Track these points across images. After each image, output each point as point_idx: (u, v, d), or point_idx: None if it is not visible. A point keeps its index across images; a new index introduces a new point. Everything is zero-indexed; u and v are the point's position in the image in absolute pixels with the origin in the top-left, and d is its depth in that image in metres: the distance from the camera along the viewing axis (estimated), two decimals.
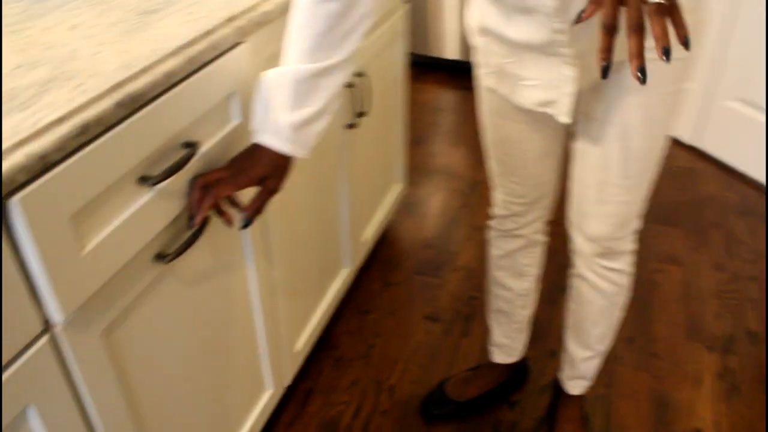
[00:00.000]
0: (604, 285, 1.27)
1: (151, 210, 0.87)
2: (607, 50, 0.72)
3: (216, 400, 1.19)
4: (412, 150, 2.73)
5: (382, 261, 2.11)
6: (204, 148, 0.97)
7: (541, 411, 1.62)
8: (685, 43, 0.69)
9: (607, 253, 1.22)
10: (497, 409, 1.62)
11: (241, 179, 0.96)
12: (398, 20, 1.80)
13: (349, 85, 1.52)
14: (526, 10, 0.95)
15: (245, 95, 1.06)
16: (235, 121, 1.06)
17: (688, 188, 2.50)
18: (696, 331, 1.85)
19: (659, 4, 0.67)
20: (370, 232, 1.90)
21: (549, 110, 1.08)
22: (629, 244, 1.22)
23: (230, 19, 1.02)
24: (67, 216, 0.73)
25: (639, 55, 0.70)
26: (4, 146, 0.66)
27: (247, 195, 1.12)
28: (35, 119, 0.71)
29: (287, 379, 1.48)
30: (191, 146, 0.92)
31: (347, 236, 1.71)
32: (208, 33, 0.97)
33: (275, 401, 1.44)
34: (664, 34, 0.68)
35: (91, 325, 0.82)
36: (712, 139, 2.68)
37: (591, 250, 1.22)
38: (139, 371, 0.95)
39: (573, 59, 0.99)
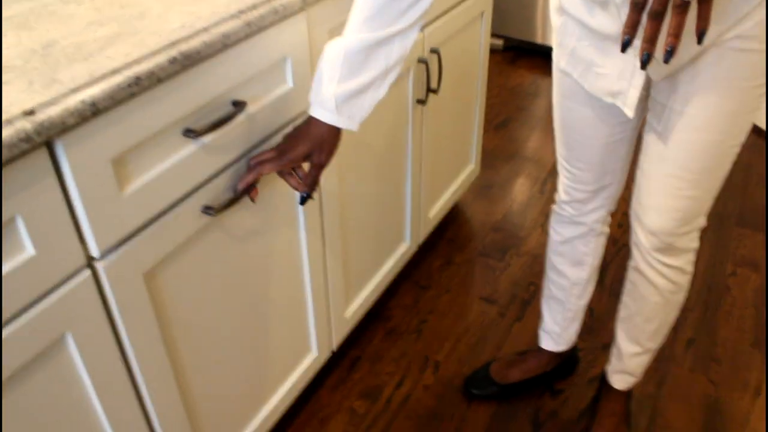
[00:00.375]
0: (661, 281, 1.24)
1: (193, 161, 0.93)
2: (631, 27, 0.73)
3: (258, 357, 1.25)
4: (495, 133, 2.72)
5: (449, 240, 2.13)
6: (252, 108, 1.02)
7: (585, 403, 1.61)
8: (700, 35, 0.69)
9: (667, 249, 1.19)
10: (540, 396, 1.62)
11: (284, 160, 1.01)
12: (482, 0, 1.80)
13: (422, 61, 1.53)
14: (602, 1, 0.95)
15: (299, 62, 1.10)
16: (287, 86, 1.10)
17: None
18: (763, 340, 1.78)
19: (685, 1, 0.67)
20: (436, 210, 1.92)
21: (616, 101, 1.08)
22: (691, 242, 1.19)
23: None
24: (107, 159, 0.79)
25: (649, 41, 0.70)
26: (61, 92, 0.73)
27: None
28: (92, 69, 0.77)
29: (335, 343, 1.53)
30: (239, 105, 0.96)
31: (411, 211, 1.74)
32: None
33: (319, 364, 1.49)
34: (675, 32, 0.70)
35: (134, 265, 0.88)
36: None
37: (650, 244, 1.19)
38: (181, 317, 1.02)
39: (634, 49, 0.97)
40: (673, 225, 1.13)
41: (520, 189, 2.38)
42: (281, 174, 1.06)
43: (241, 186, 1.02)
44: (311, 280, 1.34)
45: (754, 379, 1.68)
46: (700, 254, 2.08)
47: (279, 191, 1.15)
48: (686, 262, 1.22)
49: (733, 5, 0.91)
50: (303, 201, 1.05)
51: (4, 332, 0.74)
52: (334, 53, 0.96)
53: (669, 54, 0.72)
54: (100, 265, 0.83)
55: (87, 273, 0.82)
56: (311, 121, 1.00)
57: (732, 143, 1.04)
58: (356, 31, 0.95)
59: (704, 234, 2.17)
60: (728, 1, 0.90)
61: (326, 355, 1.51)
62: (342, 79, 0.96)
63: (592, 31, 1.03)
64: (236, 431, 1.27)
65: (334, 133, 1.01)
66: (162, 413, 1.02)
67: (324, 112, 0.98)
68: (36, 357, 0.79)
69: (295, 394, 1.44)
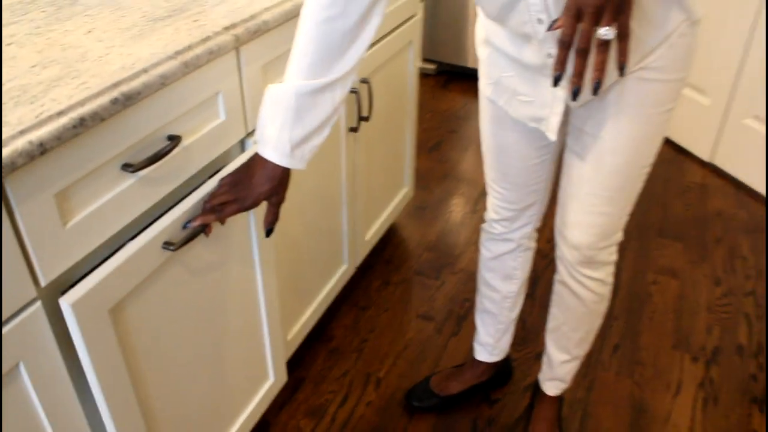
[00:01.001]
0: (585, 293, 1.33)
1: (132, 195, 0.98)
2: (560, 63, 0.81)
3: (221, 385, 1.29)
4: (427, 156, 2.82)
5: (385, 261, 2.20)
6: (186, 142, 1.07)
7: (521, 410, 1.69)
8: (621, 68, 0.78)
9: (589, 262, 1.28)
10: (478, 406, 1.70)
11: (247, 203, 1.06)
12: (410, 29, 1.89)
13: (353, 91, 1.61)
14: (524, 36, 1.04)
15: (231, 97, 1.16)
16: (220, 119, 1.16)
17: (698, 204, 2.54)
18: (683, 342, 1.91)
19: (606, 40, 0.76)
20: (373, 232, 1.99)
21: (540, 126, 1.17)
22: (610, 256, 1.29)
23: (228, 28, 1.12)
24: (51, 195, 0.84)
25: (578, 76, 0.79)
26: (10, 134, 0.77)
27: None
28: (38, 111, 0.82)
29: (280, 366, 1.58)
30: (174, 139, 1.02)
31: (348, 235, 1.81)
32: (206, 39, 1.07)
33: (276, 390, 1.53)
34: (599, 67, 0.78)
35: (99, 302, 0.92)
36: (726, 157, 2.72)
37: (573, 257, 1.29)
38: (145, 350, 1.06)
39: (564, 81, 1.07)
40: (593, 240, 1.23)
41: (454, 209, 2.47)
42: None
43: (198, 222, 1.06)
44: (266, 310, 1.39)
45: (675, 379, 1.79)
46: (623, 264, 2.21)
47: (232, 225, 1.20)
48: (607, 274, 1.32)
49: (640, 44, 1.02)
50: (268, 234, 1.11)
51: None
52: (281, 98, 1.00)
53: (597, 86, 0.81)
54: (65, 302, 0.87)
55: (38, 304, 0.86)
56: (265, 163, 1.04)
57: (642, 164, 1.15)
58: (301, 77, 1.00)
59: (627, 245, 2.30)
60: (635, 41, 1.01)
61: (283, 380, 1.55)
62: (294, 124, 1.00)
63: (516, 62, 1.13)
64: None
65: (288, 172, 1.06)
66: None
67: (280, 156, 1.02)
68: None
69: (257, 419, 1.48)
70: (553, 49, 1.02)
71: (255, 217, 1.26)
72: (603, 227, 1.22)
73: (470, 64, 3.43)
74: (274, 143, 1.02)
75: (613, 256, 1.29)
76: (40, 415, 0.91)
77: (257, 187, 1.05)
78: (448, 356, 1.84)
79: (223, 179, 1.09)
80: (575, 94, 0.83)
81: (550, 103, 1.14)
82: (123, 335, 0.99)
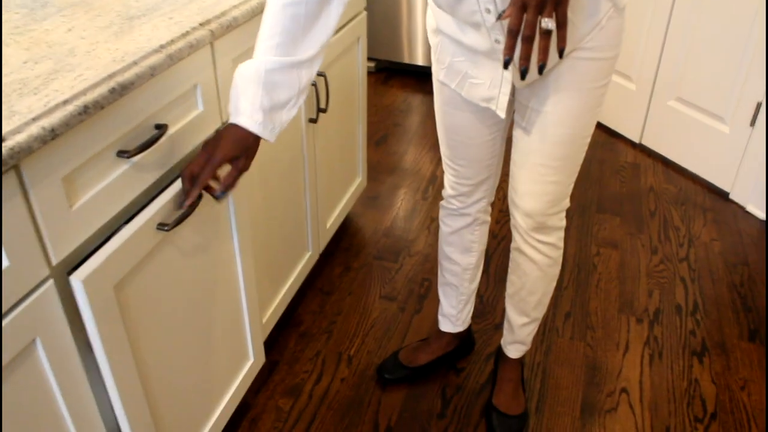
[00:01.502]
0: (538, 257, 1.45)
1: (127, 179, 1.04)
2: (510, 49, 0.92)
3: (208, 362, 1.35)
4: (375, 149, 2.92)
5: (345, 248, 2.29)
6: (171, 130, 1.14)
7: (485, 376, 1.81)
8: (561, 53, 0.90)
9: (540, 228, 1.40)
10: (445, 375, 1.81)
11: (216, 158, 1.09)
12: (357, 25, 1.99)
13: (311, 84, 1.69)
14: (474, 24, 1.15)
15: (207, 88, 1.23)
16: (198, 110, 1.23)
17: (632, 182, 2.72)
18: (628, 306, 2.06)
19: (548, 29, 0.88)
20: (332, 220, 2.08)
21: (490, 105, 1.29)
22: (560, 221, 1.41)
23: (203, 24, 1.19)
24: (59, 178, 0.90)
25: (525, 59, 0.91)
26: (23, 121, 0.83)
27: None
28: (45, 101, 0.88)
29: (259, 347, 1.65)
30: (161, 128, 1.09)
31: (311, 222, 1.89)
32: (185, 35, 1.14)
33: (256, 370, 1.60)
34: (544, 52, 0.91)
35: (106, 279, 0.99)
36: (654, 137, 2.91)
37: (526, 224, 1.40)
38: (143, 326, 1.12)
39: (511, 65, 1.18)
40: (544, 207, 1.35)
41: (404, 197, 2.58)
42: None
43: (189, 202, 1.11)
44: (246, 292, 1.46)
45: (623, 340, 1.94)
46: (569, 239, 2.35)
47: (215, 208, 1.27)
48: (558, 239, 1.44)
49: (575, 30, 1.14)
50: (219, 198, 1.13)
51: None
52: (253, 73, 1.07)
53: (542, 67, 0.92)
54: (76, 279, 0.93)
55: (50, 282, 0.92)
56: (236, 129, 1.08)
57: (583, 135, 1.27)
58: (269, 54, 1.08)
59: (570, 222, 2.45)
60: (571, 28, 1.13)
61: (262, 360, 1.62)
62: (264, 96, 1.07)
63: (466, 48, 1.24)
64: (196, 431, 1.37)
65: (256, 141, 1.12)
66: (130, 412, 1.11)
67: (251, 123, 1.08)
68: (11, 361, 0.88)
69: (239, 398, 1.54)
70: (501, 36, 1.13)
71: (234, 203, 1.33)
72: (552, 194, 1.34)
73: (407, 60, 3.55)
74: (248, 113, 1.07)
75: (563, 222, 1.42)
76: (53, 387, 0.96)
77: (226, 146, 1.08)
78: (413, 332, 1.94)
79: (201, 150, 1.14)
80: (523, 73, 0.94)
81: (498, 84, 1.25)
82: (125, 311, 1.06)
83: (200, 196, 1.14)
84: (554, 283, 1.53)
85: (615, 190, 2.66)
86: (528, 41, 0.91)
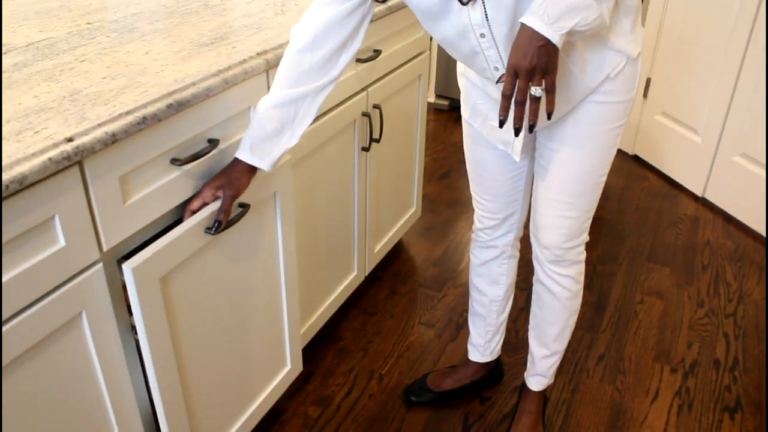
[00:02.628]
0: (557, 288, 1.52)
1: (176, 184, 1.19)
2: (504, 110, 1.05)
3: (244, 363, 1.47)
4: (437, 182, 3.03)
5: (393, 274, 2.40)
6: (223, 145, 1.29)
7: (509, 408, 1.86)
8: (549, 115, 1.04)
9: (559, 261, 1.47)
10: (469, 402, 1.87)
11: (227, 196, 1.23)
12: (419, 64, 2.12)
13: (365, 114, 1.83)
14: (480, 67, 1.25)
15: None
16: None
17: (689, 234, 2.72)
18: (664, 355, 2.07)
19: (536, 96, 1.02)
20: (381, 245, 2.19)
21: (506, 149, 1.39)
22: (579, 255, 1.48)
23: (260, 53, 1.34)
24: (116, 177, 1.05)
25: (518, 119, 1.04)
26: (90, 126, 0.99)
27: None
28: (111, 110, 1.04)
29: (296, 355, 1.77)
30: (213, 142, 1.24)
31: (358, 245, 2.01)
32: (242, 62, 1.29)
33: (293, 376, 1.71)
34: (534, 114, 1.04)
35: (153, 270, 1.13)
36: (717, 192, 2.90)
37: (545, 256, 1.48)
38: (184, 319, 1.25)
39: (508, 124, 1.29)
40: (561, 240, 1.43)
41: (458, 231, 2.67)
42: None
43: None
44: (287, 301, 1.58)
45: (653, 387, 1.96)
46: (613, 285, 2.38)
47: (262, 221, 1.40)
48: (577, 272, 1.50)
49: (581, 85, 1.24)
50: (215, 229, 1.22)
51: (44, 302, 0.98)
52: (257, 109, 1.23)
53: (532, 127, 1.03)
54: (127, 267, 1.07)
55: (100, 265, 1.07)
56: (234, 160, 1.25)
57: (598, 174, 1.35)
58: (276, 88, 1.23)
59: (617, 268, 2.48)
60: (577, 82, 1.23)
61: (299, 369, 1.73)
62: (257, 128, 1.23)
63: (485, 93, 1.35)
64: (226, 428, 1.49)
65: (247, 170, 1.25)
66: (165, 393, 1.23)
67: (242, 152, 1.24)
68: (61, 327, 1.03)
69: (273, 402, 1.65)
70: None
71: (281, 216, 1.46)
72: (568, 228, 1.42)
73: None
74: (242, 144, 1.24)
75: (582, 256, 1.48)
76: (94, 357, 1.11)
77: (233, 185, 1.23)
78: (446, 358, 2.02)
79: (211, 183, 1.26)
80: (517, 132, 1.06)
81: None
82: (168, 302, 1.19)
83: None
84: (575, 317, 1.59)
85: (670, 241, 2.67)
86: (519, 105, 1.04)
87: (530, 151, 1.47)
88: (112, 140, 1.00)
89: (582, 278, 1.52)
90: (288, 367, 1.69)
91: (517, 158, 1.39)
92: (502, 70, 1.19)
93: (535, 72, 1.01)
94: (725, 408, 1.89)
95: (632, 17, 1.23)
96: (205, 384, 1.36)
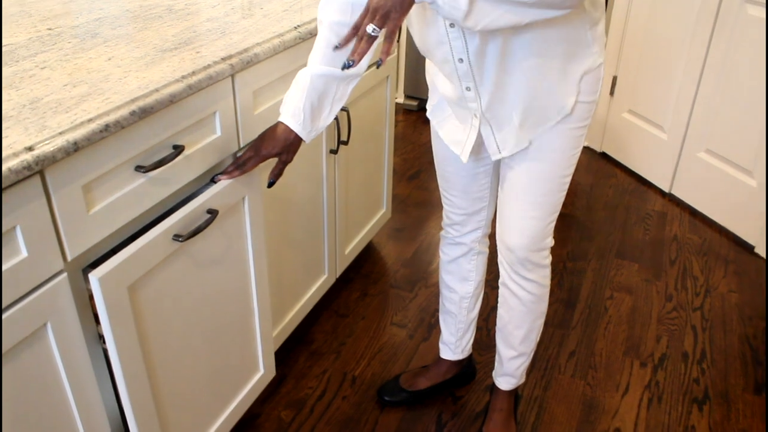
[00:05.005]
0: (521, 293, 1.53)
1: (142, 191, 1.18)
2: (346, 41, 1.09)
3: (217, 370, 1.46)
4: (407, 183, 3.04)
5: (364, 275, 2.40)
6: (188, 151, 1.28)
7: (482, 406, 1.87)
8: (378, 64, 1.06)
9: (524, 265, 1.47)
10: (443, 401, 1.88)
11: (262, 153, 1.30)
12: (387, 65, 2.12)
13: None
14: (447, 72, 1.27)
15: (226, 116, 1.37)
16: (216, 135, 1.36)
17: (656, 230, 2.76)
18: (634, 349, 2.10)
19: (373, 36, 1.05)
20: (351, 247, 2.19)
21: (456, 149, 1.40)
22: (542, 259, 1.49)
23: (225, 58, 1.34)
24: (79, 186, 1.04)
25: (355, 53, 1.06)
26: (51, 135, 0.98)
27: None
28: (73, 118, 1.03)
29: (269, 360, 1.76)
30: (178, 148, 1.23)
31: (328, 247, 2.01)
32: (206, 67, 1.29)
33: (266, 381, 1.71)
34: (360, 54, 1.07)
35: (120, 279, 1.11)
36: (683, 187, 2.95)
37: (509, 260, 1.48)
38: (154, 327, 1.24)
39: (480, 114, 1.30)
40: (525, 242, 1.43)
41: (429, 231, 2.68)
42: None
43: (223, 178, 1.32)
44: (258, 306, 1.57)
45: (623, 382, 1.98)
46: (583, 281, 2.41)
47: (230, 223, 1.40)
48: (541, 276, 1.51)
49: (549, 115, 1.28)
50: (270, 185, 1.35)
51: (7, 314, 0.97)
52: (302, 77, 1.29)
53: (350, 65, 1.06)
54: (93, 276, 1.06)
55: (64, 275, 1.05)
56: (283, 127, 1.29)
57: (562, 174, 1.36)
58: (318, 62, 1.28)
59: (587, 265, 2.51)
60: (544, 113, 1.27)
61: (272, 373, 1.73)
62: (308, 99, 1.28)
63: (443, 95, 1.36)
64: None
65: (298, 139, 1.31)
66: (135, 404, 1.22)
67: (294, 123, 1.29)
68: (26, 339, 1.02)
69: (246, 407, 1.64)
70: (471, 83, 1.25)
71: (250, 220, 1.46)
72: (533, 230, 1.42)
73: None
74: (291, 112, 1.29)
75: (547, 260, 1.49)
76: (60, 368, 1.09)
77: (272, 143, 1.30)
78: (419, 358, 2.03)
79: (249, 143, 1.34)
80: (348, 66, 1.08)
81: (468, 131, 1.36)
82: (137, 311, 1.18)
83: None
84: (541, 320, 1.60)
85: (638, 237, 2.70)
86: (359, 39, 1.07)
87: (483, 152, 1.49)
88: (74, 149, 0.99)
89: (548, 282, 1.53)
90: (261, 372, 1.68)
91: (465, 159, 1.40)
92: (467, 62, 1.20)
93: (378, 11, 1.02)
94: (693, 400, 1.93)
95: (597, 28, 1.25)
96: (176, 392, 1.35)
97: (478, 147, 1.44)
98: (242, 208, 1.42)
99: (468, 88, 1.26)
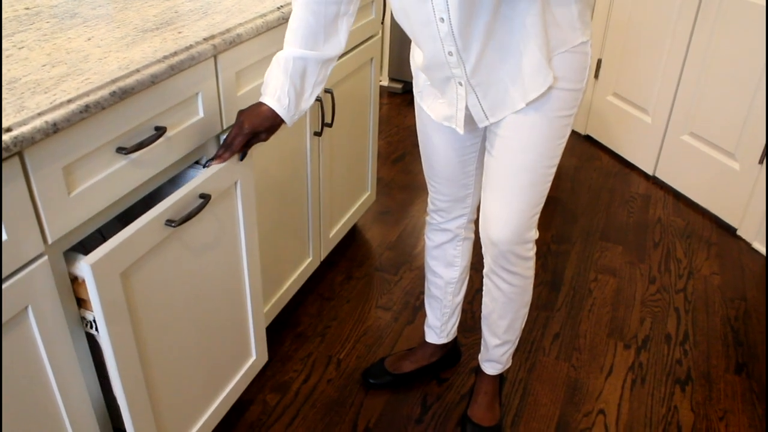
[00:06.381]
0: (504, 285, 1.52)
1: (123, 174, 1.16)
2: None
3: (210, 356, 1.45)
4: (392, 166, 3.03)
5: (349, 258, 2.39)
6: (170, 133, 1.26)
7: (467, 388, 1.88)
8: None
9: (506, 256, 1.45)
10: (428, 384, 1.89)
11: (247, 131, 1.29)
12: (371, 46, 2.10)
13: (317, 99, 1.81)
14: (430, 37, 1.24)
15: (209, 97, 1.35)
16: (199, 116, 1.35)
17: (640, 212, 2.77)
18: (617, 331, 2.11)
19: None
20: (336, 231, 2.18)
21: (450, 124, 1.38)
22: (526, 252, 1.46)
23: (207, 39, 1.32)
24: (60, 167, 1.02)
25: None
26: (29, 115, 0.96)
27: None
28: (52, 99, 1.01)
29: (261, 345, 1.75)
30: (160, 129, 1.21)
31: (312, 230, 2.00)
32: (188, 48, 1.27)
33: (258, 367, 1.69)
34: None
35: (113, 266, 1.09)
36: (667, 170, 2.96)
37: (493, 252, 1.46)
38: (147, 314, 1.22)
39: (465, 82, 1.28)
40: (509, 235, 1.41)
41: (414, 214, 2.68)
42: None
43: (216, 162, 1.32)
44: (251, 293, 1.56)
45: (607, 363, 2.00)
46: (567, 264, 2.42)
47: (223, 208, 1.38)
48: (525, 268, 1.49)
49: (542, 76, 1.24)
50: (242, 158, 1.37)
51: None
52: (283, 59, 1.28)
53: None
54: (85, 263, 1.04)
55: (45, 258, 1.04)
56: (264, 107, 1.28)
57: (547, 164, 1.35)
58: (296, 45, 1.28)
59: (571, 247, 2.52)
60: (523, 89, 1.25)
61: (264, 359, 1.72)
62: (291, 82, 1.28)
63: (425, 69, 1.34)
64: (192, 421, 1.47)
65: (281, 121, 1.31)
66: (128, 391, 1.21)
67: (277, 105, 1.28)
68: (7, 322, 1.00)
69: (239, 393, 1.63)
70: (453, 48, 1.21)
71: (243, 205, 1.44)
72: (517, 221, 1.39)
73: None
74: (276, 95, 1.28)
75: (531, 252, 1.47)
76: (42, 351, 1.08)
77: (258, 120, 1.28)
78: (403, 341, 2.03)
79: (232, 125, 1.35)
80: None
81: (455, 103, 1.35)
82: (130, 297, 1.16)
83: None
84: (525, 309, 1.60)
85: (622, 220, 2.72)
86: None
87: (481, 140, 1.47)
88: (54, 130, 0.97)
89: (532, 272, 1.51)
90: (253, 358, 1.67)
91: (461, 131, 1.37)
92: (447, 22, 1.17)
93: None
94: (676, 381, 1.94)
95: (581, 5, 1.24)
96: (170, 379, 1.34)
97: (471, 123, 1.41)
98: (234, 192, 1.40)
99: (450, 53, 1.24)
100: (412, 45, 1.43)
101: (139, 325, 1.20)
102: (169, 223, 1.20)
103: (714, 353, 2.05)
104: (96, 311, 1.09)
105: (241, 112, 1.30)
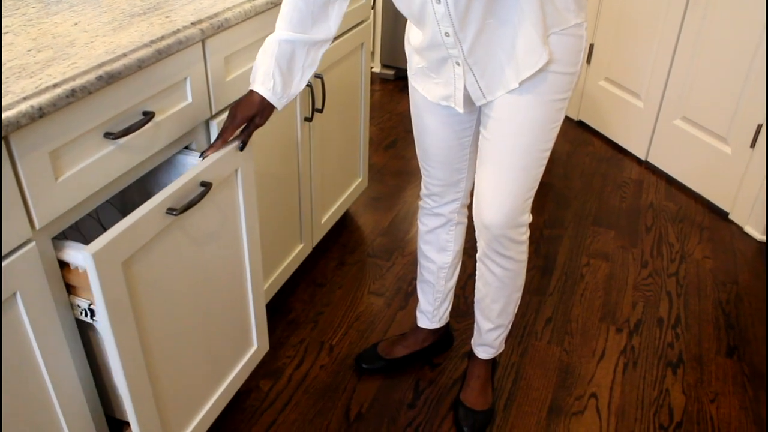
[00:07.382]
0: (497, 269, 1.52)
1: (111, 159, 1.15)
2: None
3: (209, 348, 1.45)
4: (384, 152, 3.02)
5: (342, 244, 2.39)
6: (158, 118, 1.25)
7: (459, 373, 1.88)
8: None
9: (499, 241, 1.45)
10: (420, 368, 1.89)
11: (237, 119, 1.29)
12: (362, 32, 2.09)
13: (308, 85, 1.80)
14: (427, 18, 1.23)
15: (197, 81, 1.34)
16: (187, 101, 1.34)
17: (633, 197, 2.78)
18: (610, 315, 2.12)
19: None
20: (328, 217, 2.18)
21: (449, 103, 1.38)
22: (519, 236, 1.46)
23: (195, 23, 1.31)
24: (47, 152, 1.02)
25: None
26: (14, 100, 0.95)
27: None
28: (38, 83, 1.00)
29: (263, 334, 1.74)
30: (148, 114, 1.20)
31: (303, 216, 1.99)
32: (176, 32, 1.26)
33: (260, 356, 1.68)
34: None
35: (115, 255, 1.08)
36: (659, 155, 2.97)
37: (486, 236, 1.46)
38: (148, 303, 1.21)
39: (463, 61, 1.27)
40: (502, 219, 1.41)
41: (406, 200, 2.67)
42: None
43: (210, 152, 1.31)
44: (252, 282, 1.55)
45: (599, 347, 2.00)
46: (560, 249, 2.42)
47: (223, 196, 1.37)
48: (518, 252, 1.49)
49: (536, 54, 1.23)
50: (242, 149, 1.36)
51: None
52: (269, 44, 1.28)
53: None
54: (87, 252, 1.03)
55: (33, 244, 1.03)
56: (253, 94, 1.28)
57: (540, 147, 1.35)
58: (285, 29, 1.27)
59: (564, 232, 2.52)
60: (516, 67, 1.25)
61: (266, 348, 1.71)
62: (277, 66, 1.27)
63: (420, 51, 1.34)
64: (194, 412, 1.46)
65: (272, 106, 1.30)
66: (132, 385, 1.20)
67: (264, 90, 1.28)
68: None
69: (241, 382, 1.62)
70: (450, 29, 1.22)
71: (243, 193, 1.43)
72: (510, 206, 1.39)
73: None
74: (261, 79, 1.28)
75: (524, 236, 1.47)
76: (31, 338, 1.08)
77: (248, 107, 1.29)
78: (396, 326, 2.03)
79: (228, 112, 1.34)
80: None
81: (453, 82, 1.34)
82: (131, 286, 1.15)
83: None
84: (518, 293, 1.60)
85: (614, 204, 2.72)
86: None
87: (475, 123, 1.47)
88: (39, 114, 0.96)
89: (525, 257, 1.52)
90: (254, 347, 1.67)
91: (461, 110, 1.37)
92: (444, 5, 1.17)
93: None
94: (668, 364, 1.95)
95: None
96: (171, 369, 1.33)
97: (468, 104, 1.40)
98: (235, 180, 1.39)
99: (447, 34, 1.23)
100: (407, 27, 1.42)
101: (140, 314, 1.20)
102: (171, 211, 1.19)
103: (705, 336, 2.06)
104: (98, 301, 1.08)
105: (232, 105, 1.31)
